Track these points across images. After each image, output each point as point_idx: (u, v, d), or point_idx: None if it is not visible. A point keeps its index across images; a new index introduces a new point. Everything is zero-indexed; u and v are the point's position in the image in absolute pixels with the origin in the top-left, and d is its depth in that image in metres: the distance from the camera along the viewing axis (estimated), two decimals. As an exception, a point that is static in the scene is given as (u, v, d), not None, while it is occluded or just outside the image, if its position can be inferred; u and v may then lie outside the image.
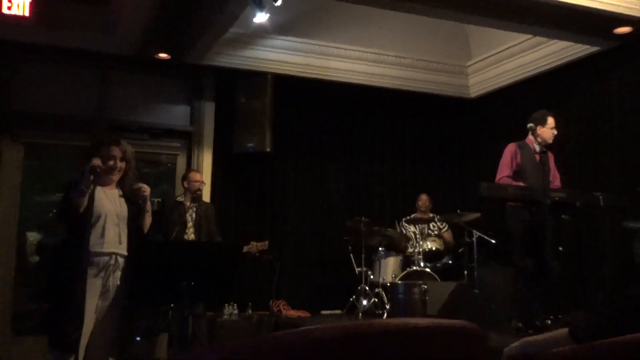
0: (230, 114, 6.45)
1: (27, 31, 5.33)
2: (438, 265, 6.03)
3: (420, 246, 6.05)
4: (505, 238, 5.11)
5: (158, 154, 6.53)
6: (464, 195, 7.11)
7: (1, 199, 5.63)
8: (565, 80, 6.23)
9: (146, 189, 3.31)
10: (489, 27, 5.81)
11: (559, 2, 4.74)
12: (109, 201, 3.24)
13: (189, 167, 6.25)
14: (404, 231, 6.57)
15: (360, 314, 5.77)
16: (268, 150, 6.34)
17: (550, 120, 4.79)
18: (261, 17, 4.88)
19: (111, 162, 3.25)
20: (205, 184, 5.64)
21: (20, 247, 5.82)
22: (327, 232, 6.84)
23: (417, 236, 6.41)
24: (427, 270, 5.79)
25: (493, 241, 5.54)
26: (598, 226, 5.44)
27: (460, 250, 5.98)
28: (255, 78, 6.41)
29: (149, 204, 3.36)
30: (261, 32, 6.18)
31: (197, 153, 6.43)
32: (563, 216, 4.52)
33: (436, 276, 5.71)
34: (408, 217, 6.62)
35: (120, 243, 3.22)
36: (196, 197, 5.21)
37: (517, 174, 4.73)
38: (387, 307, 5.62)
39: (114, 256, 3.18)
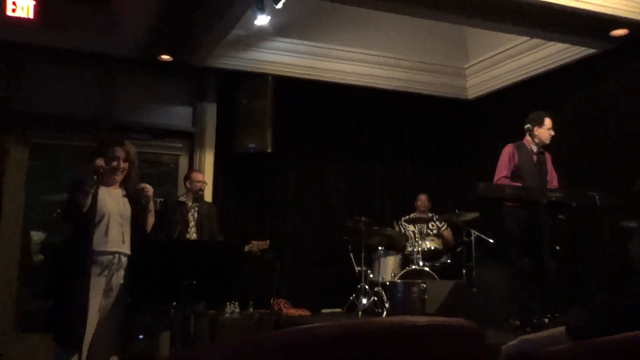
0: (231, 115, 6.45)
1: (32, 33, 5.33)
2: (437, 264, 6.03)
3: (419, 245, 6.05)
4: (503, 237, 5.10)
5: (160, 154, 6.54)
6: (462, 195, 7.11)
7: (6, 199, 5.63)
8: (563, 82, 6.22)
9: (149, 189, 3.32)
10: (487, 29, 5.81)
11: (556, 4, 4.74)
12: (113, 201, 3.25)
13: (191, 168, 6.25)
14: (403, 230, 6.57)
15: (360, 313, 5.77)
16: (269, 150, 6.34)
17: (547, 121, 4.79)
18: (262, 20, 4.89)
19: (115, 163, 3.26)
20: (207, 184, 5.64)
21: (25, 246, 5.82)
22: (327, 232, 6.84)
23: (416, 235, 6.41)
24: (426, 269, 5.79)
25: (491, 240, 5.54)
26: (594, 226, 5.45)
27: (458, 249, 5.98)
28: (256, 79, 6.41)
29: (151, 203, 3.37)
30: (262, 34, 6.18)
31: (199, 153, 6.43)
32: (560, 216, 4.52)
33: (435, 275, 5.72)
34: (407, 217, 6.62)
35: (123, 242, 3.22)
36: (198, 197, 5.21)
37: (514, 175, 4.73)
38: (387, 305, 5.63)
39: (117, 255, 3.19)
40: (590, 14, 4.87)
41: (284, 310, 6.15)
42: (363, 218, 6.02)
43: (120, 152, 3.28)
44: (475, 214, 5.76)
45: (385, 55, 6.97)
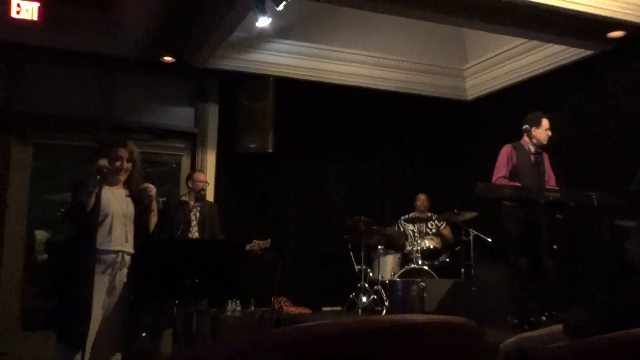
0: (233, 115, 6.45)
1: (35, 34, 5.34)
2: (436, 263, 6.03)
3: (419, 244, 6.05)
4: (501, 237, 5.10)
5: (163, 154, 6.54)
6: (461, 195, 7.11)
7: (10, 198, 5.63)
8: (560, 83, 6.22)
9: (152, 189, 3.32)
10: (485, 31, 5.82)
11: (554, 6, 4.74)
12: (116, 201, 3.25)
13: (193, 168, 6.26)
14: (403, 229, 6.58)
15: (360, 311, 5.78)
16: (270, 151, 6.35)
17: (545, 122, 4.79)
18: (264, 21, 4.89)
19: (118, 163, 3.26)
20: (209, 183, 5.65)
21: (29, 245, 5.82)
22: (328, 231, 6.84)
23: (416, 235, 6.42)
24: (425, 268, 5.79)
25: (489, 240, 5.54)
26: (592, 225, 5.44)
27: (457, 248, 5.98)
28: (257, 81, 6.42)
29: (154, 203, 3.37)
30: (263, 36, 6.19)
31: (201, 154, 6.43)
32: (557, 215, 4.52)
33: (434, 274, 5.72)
34: (407, 216, 6.63)
35: (126, 241, 3.22)
36: (200, 196, 5.22)
37: (513, 175, 4.73)
38: (386, 303, 5.63)
39: (120, 254, 3.19)
40: (588, 16, 4.88)
41: (285, 308, 6.15)
42: (363, 217, 6.02)
43: (123, 153, 3.28)
44: (473, 214, 5.76)
45: (385, 57, 6.97)
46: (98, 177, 3.02)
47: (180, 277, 2.93)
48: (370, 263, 6.17)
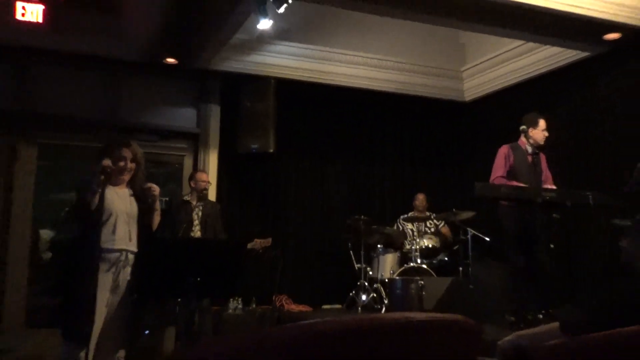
0: (235, 116, 6.45)
1: (40, 36, 5.34)
2: (434, 261, 6.03)
3: (417, 243, 6.05)
4: (499, 236, 5.10)
5: (166, 154, 6.54)
6: (459, 195, 7.11)
7: (16, 198, 5.64)
8: (557, 85, 6.22)
9: (156, 189, 3.32)
10: (483, 33, 5.82)
11: (551, 9, 4.74)
12: (120, 200, 3.25)
13: (195, 168, 6.26)
14: (402, 229, 6.58)
15: (359, 309, 5.77)
16: (271, 151, 6.36)
17: (542, 123, 4.79)
18: (265, 24, 4.89)
19: (122, 163, 3.26)
20: (211, 183, 5.65)
21: (34, 244, 5.82)
22: (328, 230, 6.84)
23: (415, 234, 6.42)
24: (424, 266, 5.79)
25: (487, 239, 5.54)
26: (588, 224, 5.44)
27: (455, 247, 5.98)
28: (259, 82, 6.42)
29: (158, 203, 3.37)
30: (265, 38, 6.19)
31: (203, 154, 6.43)
32: (554, 215, 4.52)
33: (432, 272, 5.72)
34: (406, 215, 6.63)
35: (130, 240, 3.22)
36: (202, 196, 5.22)
37: (510, 175, 4.73)
38: (386, 302, 5.63)
39: (124, 253, 3.19)
40: (584, 19, 4.88)
41: (286, 306, 6.15)
42: (362, 217, 6.02)
43: (127, 153, 3.28)
44: (471, 213, 5.76)
45: (384, 59, 6.97)
46: (102, 177, 3.02)
47: (183, 275, 2.93)
48: (369, 262, 6.17)
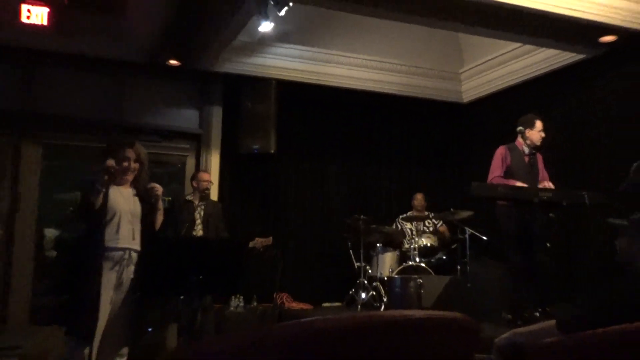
0: (236, 117, 6.45)
1: (46, 39, 5.34)
2: (432, 260, 6.03)
3: (416, 242, 6.05)
4: (496, 235, 5.10)
5: (169, 155, 6.54)
6: (457, 194, 7.10)
7: (21, 197, 5.64)
8: (554, 86, 6.22)
9: (159, 189, 3.33)
10: (481, 35, 5.82)
11: (547, 12, 4.74)
12: (124, 200, 3.25)
13: (197, 168, 6.26)
14: (401, 228, 6.58)
15: (359, 307, 5.77)
16: (272, 151, 6.36)
17: (538, 124, 4.79)
18: (266, 27, 4.89)
19: (126, 164, 3.26)
20: (213, 183, 5.65)
21: (39, 242, 5.83)
22: (328, 229, 6.84)
23: (413, 233, 6.42)
24: (422, 265, 5.79)
25: (485, 238, 5.54)
26: (584, 224, 5.43)
27: (453, 246, 5.98)
28: (260, 84, 6.42)
29: (161, 202, 3.38)
30: (266, 41, 6.19)
31: (205, 154, 6.44)
32: (551, 214, 4.52)
33: (431, 271, 5.72)
34: (404, 215, 6.63)
35: (133, 239, 3.23)
36: (204, 195, 5.22)
37: (507, 175, 4.73)
38: (385, 300, 5.63)
39: (127, 251, 3.20)
40: (580, 21, 4.88)
41: (287, 304, 6.15)
42: (362, 216, 6.02)
43: (130, 153, 3.28)
44: (469, 213, 5.76)
45: (383, 61, 6.97)
46: (106, 177, 3.02)
47: (185, 273, 2.93)
48: (369, 260, 6.17)
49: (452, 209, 5.80)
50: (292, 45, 6.51)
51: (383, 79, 7.00)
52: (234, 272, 3.15)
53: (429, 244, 6.18)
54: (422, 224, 6.57)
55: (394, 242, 6.33)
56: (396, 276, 5.62)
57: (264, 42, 6.23)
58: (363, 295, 5.86)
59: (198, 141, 6.50)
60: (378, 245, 6.15)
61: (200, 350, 1.57)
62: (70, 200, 5.90)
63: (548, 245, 4.51)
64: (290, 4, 4.51)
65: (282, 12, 4.47)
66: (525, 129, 4.77)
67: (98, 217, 3.00)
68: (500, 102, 6.90)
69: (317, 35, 6.54)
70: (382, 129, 7.41)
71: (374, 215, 6.41)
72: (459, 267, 5.56)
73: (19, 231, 5.60)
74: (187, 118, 6.50)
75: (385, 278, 5.76)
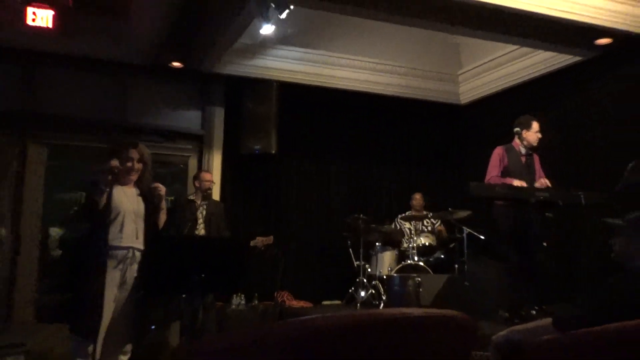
0: (238, 118, 6.46)
1: (50, 41, 5.34)
2: (431, 259, 6.02)
3: (415, 241, 6.05)
4: (493, 234, 5.10)
5: (171, 155, 6.54)
6: (455, 194, 7.10)
7: (26, 197, 5.64)
8: (550, 88, 6.22)
9: (162, 189, 3.33)
10: (479, 38, 5.81)
11: (544, 15, 4.74)
12: (127, 199, 3.26)
13: (200, 168, 6.26)
14: (399, 227, 6.58)
15: (358, 305, 5.77)
16: (273, 152, 6.36)
17: (535, 125, 4.79)
18: (267, 29, 4.89)
19: (129, 164, 3.26)
20: (215, 183, 5.65)
21: (44, 241, 5.83)
22: (328, 229, 6.84)
23: (412, 232, 6.42)
24: (421, 264, 5.79)
25: (482, 237, 5.53)
26: (581, 223, 5.43)
27: (451, 245, 5.98)
28: (261, 85, 6.42)
29: (164, 202, 3.38)
30: (267, 43, 6.19)
31: (207, 154, 6.44)
32: (547, 214, 4.51)
33: (429, 269, 5.72)
34: (403, 215, 6.63)
35: (137, 238, 3.23)
36: (206, 195, 5.22)
37: (504, 175, 4.73)
38: (384, 298, 5.63)
39: (131, 250, 3.20)
40: (576, 24, 4.88)
41: (287, 302, 6.15)
42: (361, 216, 6.02)
43: (134, 154, 3.28)
44: (467, 212, 5.76)
45: (383, 63, 6.97)
46: (110, 177, 3.03)
47: (188, 272, 2.93)
48: (368, 259, 6.17)
49: (450, 209, 5.80)
50: (292, 48, 6.51)
51: (382, 80, 7.00)
52: (235, 271, 3.15)
53: (427, 243, 6.19)
54: (420, 223, 6.57)
55: (393, 241, 6.33)
56: (395, 275, 5.62)
57: (265, 44, 6.23)
58: (362, 293, 5.86)
59: (200, 142, 6.51)
60: (377, 244, 6.15)
61: (202, 348, 1.57)
62: (74, 199, 5.91)
63: (545, 244, 4.51)
64: (291, 6, 4.51)
65: (283, 15, 4.48)
66: (522, 130, 4.77)
67: (102, 217, 3.00)
68: (498, 104, 6.90)
69: (317, 37, 6.54)
70: (382, 130, 7.41)
71: (374, 215, 6.42)
72: (456, 266, 5.56)
73: (24, 230, 5.60)
74: (189, 119, 6.50)
75: (385, 277, 5.77)
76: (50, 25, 4.78)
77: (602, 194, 4.47)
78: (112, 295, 3.09)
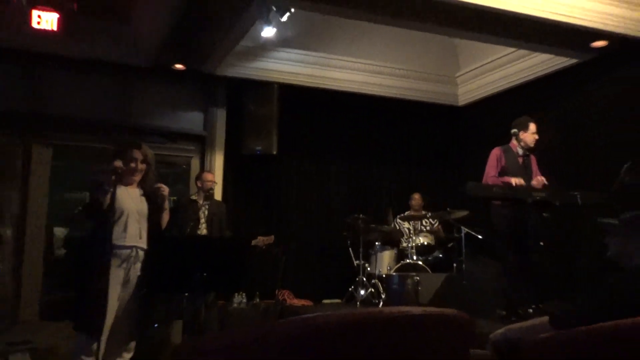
0: (240, 120, 6.46)
1: (56, 43, 5.35)
2: (429, 258, 6.02)
3: (413, 241, 6.06)
4: (491, 234, 5.10)
5: (174, 156, 6.55)
6: (454, 194, 7.10)
7: (31, 197, 5.64)
8: (547, 90, 6.22)
9: (165, 189, 3.33)
10: (477, 40, 5.82)
11: (541, 18, 4.74)
12: (131, 199, 3.26)
13: (202, 168, 6.26)
14: (398, 227, 6.58)
15: (358, 303, 5.77)
16: (274, 152, 6.37)
17: (532, 126, 4.79)
18: (268, 32, 4.90)
19: (133, 164, 3.27)
20: (217, 183, 5.65)
21: (49, 241, 5.83)
22: (328, 228, 6.83)
23: (411, 232, 6.41)
24: (420, 263, 5.79)
25: (480, 236, 5.53)
26: (577, 223, 5.43)
27: (450, 244, 5.98)
28: (262, 87, 6.43)
29: (167, 202, 3.38)
30: (268, 46, 6.20)
31: (209, 155, 6.44)
32: (544, 214, 4.51)
33: (428, 268, 5.72)
34: (402, 214, 6.63)
35: (140, 237, 3.23)
36: (208, 195, 5.22)
37: (501, 175, 4.73)
38: (383, 296, 5.63)
39: (134, 249, 3.20)
40: (572, 27, 4.88)
41: (288, 300, 6.14)
42: (361, 216, 6.02)
43: (138, 155, 3.28)
44: (465, 212, 5.76)
45: (382, 65, 6.97)
46: (114, 177, 3.03)
47: (190, 271, 2.93)
48: (368, 258, 6.16)
49: (448, 209, 5.80)
50: (293, 50, 6.51)
51: (382, 82, 7.00)
52: (237, 269, 3.16)
53: (426, 243, 6.19)
54: (419, 223, 6.57)
55: (392, 240, 6.33)
56: (394, 274, 5.62)
57: (266, 46, 6.23)
58: (362, 292, 5.86)
59: (202, 143, 6.51)
60: (377, 243, 6.15)
61: (204, 345, 1.57)
62: (79, 199, 5.91)
63: (541, 244, 4.51)
64: (292, 10, 4.52)
65: (284, 18, 4.49)
66: (519, 131, 4.77)
67: (106, 216, 3.00)
68: (495, 105, 6.90)
69: (317, 40, 6.55)
70: (381, 130, 7.41)
71: (374, 215, 6.42)
72: (455, 265, 5.56)
73: (29, 230, 5.60)
74: (192, 120, 6.51)
75: (384, 275, 5.77)
76: (55, 28, 4.79)
77: (598, 194, 4.47)
78: (116, 294, 3.09)
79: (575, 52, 5.59)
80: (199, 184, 5.26)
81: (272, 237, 5.49)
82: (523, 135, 4.76)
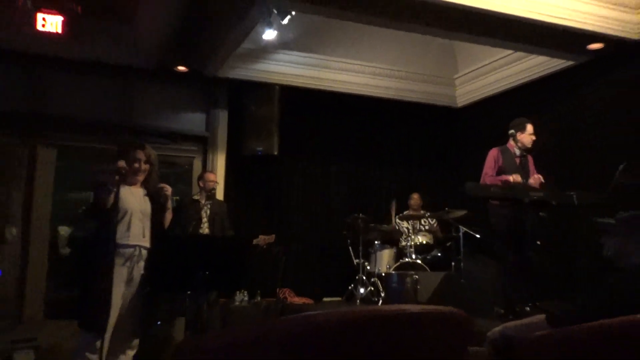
0: (241, 121, 6.46)
1: (60, 46, 5.35)
2: (428, 257, 6.03)
3: (412, 240, 6.06)
4: (489, 233, 5.10)
5: (176, 156, 6.55)
6: (452, 194, 7.10)
7: (36, 197, 5.65)
8: (544, 92, 6.22)
9: (168, 189, 3.34)
10: (475, 43, 5.82)
11: (537, 20, 4.74)
12: (135, 199, 3.26)
13: (204, 169, 6.27)
14: (398, 227, 6.58)
15: (358, 301, 5.77)
16: (275, 153, 6.37)
17: (529, 127, 4.80)
18: (270, 34, 4.91)
19: (136, 165, 3.27)
20: (218, 183, 5.65)
21: (53, 240, 5.83)
22: (328, 228, 6.83)
23: (410, 231, 6.42)
24: (418, 261, 5.79)
25: (478, 236, 5.53)
26: (574, 222, 5.43)
27: (448, 244, 5.98)
28: (264, 89, 6.43)
29: (170, 202, 3.38)
30: (270, 48, 6.20)
31: (211, 156, 6.44)
32: (541, 213, 4.51)
33: (426, 267, 5.72)
34: (401, 214, 6.63)
35: (144, 237, 3.23)
36: (210, 195, 5.23)
37: (499, 175, 4.73)
38: (382, 295, 5.63)
39: (138, 248, 3.20)
40: (568, 30, 4.88)
41: (289, 298, 6.14)
42: (361, 215, 6.03)
43: (141, 155, 3.29)
44: (463, 211, 5.76)
45: (381, 67, 6.98)
46: (117, 177, 3.03)
47: (193, 270, 2.93)
48: (367, 257, 6.17)
49: (447, 208, 5.81)
50: (294, 52, 6.52)
51: (381, 84, 7.01)
52: (238, 268, 3.16)
53: (424, 242, 6.19)
54: (418, 222, 6.57)
55: (391, 239, 6.33)
56: (393, 272, 5.62)
57: (267, 49, 6.23)
58: (362, 290, 5.86)
59: (204, 143, 6.51)
60: (376, 242, 6.15)
61: (206, 343, 1.58)
62: (83, 199, 5.90)
63: (538, 243, 4.51)
64: (293, 12, 4.52)
65: (285, 21, 4.50)
66: (516, 132, 4.78)
67: (110, 216, 3.01)
68: (493, 107, 6.90)
69: (318, 42, 6.55)
70: (381, 132, 7.41)
71: (373, 215, 6.42)
72: (453, 263, 5.56)
73: (34, 229, 5.60)
74: (194, 121, 6.51)
75: (383, 274, 5.77)
76: (59, 30, 4.79)
77: (594, 194, 4.47)
78: (120, 292, 3.10)
79: (571, 55, 5.59)
80: (201, 184, 5.26)
81: (273, 236, 5.50)
82: (520, 136, 4.77)
